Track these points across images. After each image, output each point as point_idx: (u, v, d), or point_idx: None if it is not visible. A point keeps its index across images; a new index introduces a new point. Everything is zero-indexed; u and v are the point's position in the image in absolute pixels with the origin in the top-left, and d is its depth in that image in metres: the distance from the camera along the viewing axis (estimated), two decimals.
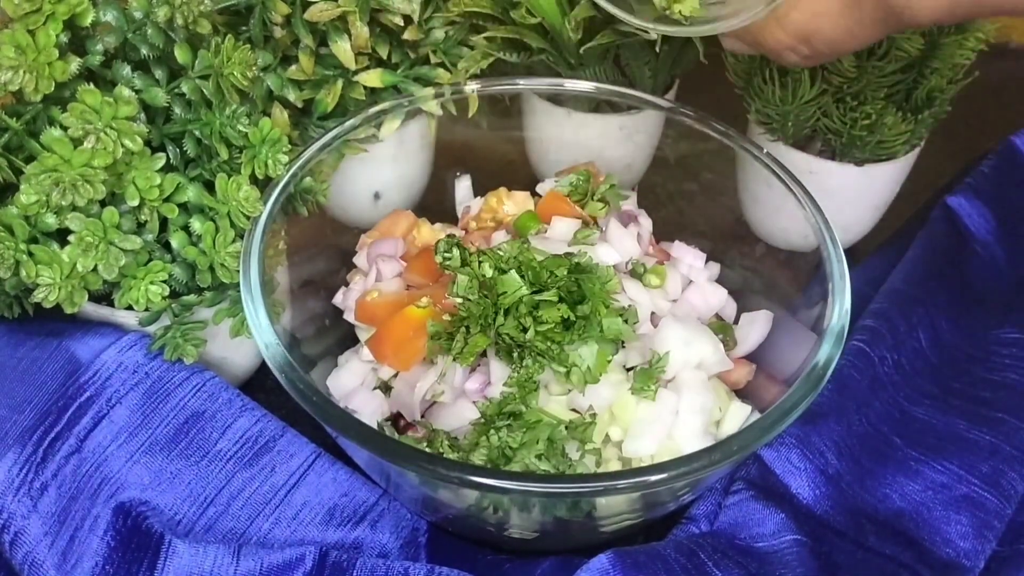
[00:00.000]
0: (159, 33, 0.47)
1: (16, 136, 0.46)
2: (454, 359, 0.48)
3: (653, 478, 0.39)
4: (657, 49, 0.59)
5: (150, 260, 0.48)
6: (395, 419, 0.52)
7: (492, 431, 0.45)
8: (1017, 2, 0.29)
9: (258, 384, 0.58)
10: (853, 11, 0.32)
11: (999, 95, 0.74)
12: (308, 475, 0.49)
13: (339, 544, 0.48)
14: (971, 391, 0.53)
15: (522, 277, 0.48)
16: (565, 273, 0.48)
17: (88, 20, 0.45)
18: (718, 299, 0.55)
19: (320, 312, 0.56)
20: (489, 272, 0.48)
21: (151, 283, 0.47)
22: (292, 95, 0.54)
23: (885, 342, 0.55)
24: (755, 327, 0.54)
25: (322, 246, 0.57)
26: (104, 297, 0.51)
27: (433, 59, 0.58)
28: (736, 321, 0.55)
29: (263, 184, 0.50)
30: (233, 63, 0.47)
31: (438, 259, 0.49)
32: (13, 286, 0.47)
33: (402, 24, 0.55)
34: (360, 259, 0.56)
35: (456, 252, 0.48)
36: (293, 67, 0.54)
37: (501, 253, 0.49)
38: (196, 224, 0.48)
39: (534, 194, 0.60)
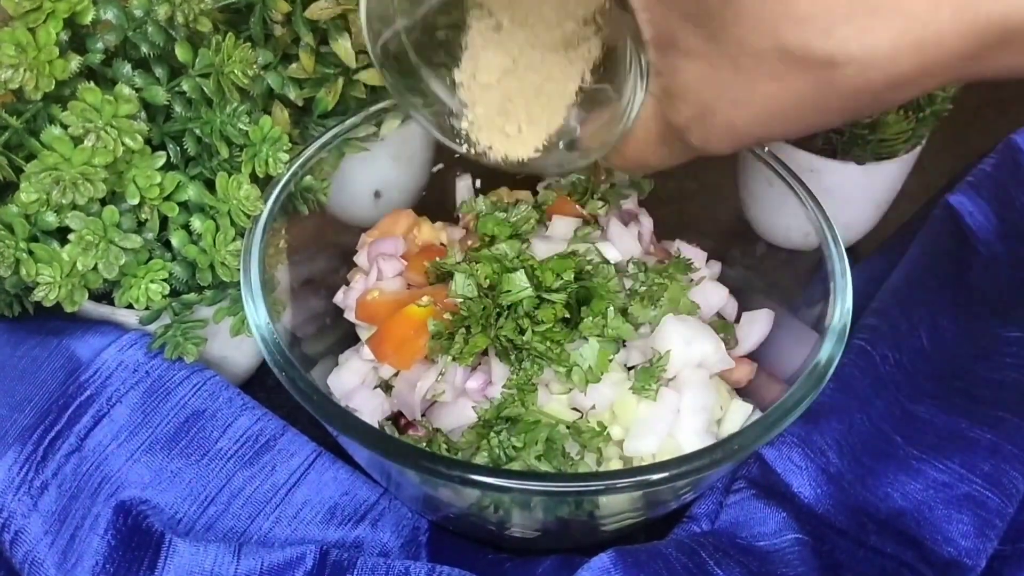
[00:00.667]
0: (160, 31, 0.47)
1: (16, 134, 0.46)
2: (453, 359, 0.48)
3: (654, 477, 0.39)
4: None
5: (150, 259, 0.48)
6: (396, 418, 0.52)
7: (492, 434, 0.45)
8: (802, 131, 0.35)
9: (258, 383, 0.58)
10: (666, 147, 0.39)
11: (1000, 93, 0.74)
12: (309, 474, 0.49)
13: (340, 543, 0.48)
14: (972, 390, 0.53)
15: (529, 278, 0.48)
16: (572, 277, 0.48)
17: (88, 18, 0.45)
18: (719, 298, 0.55)
19: (321, 311, 0.56)
20: (488, 273, 0.49)
21: (151, 282, 0.47)
22: (293, 93, 0.53)
23: (886, 341, 0.55)
24: (756, 326, 0.54)
25: (322, 245, 0.57)
26: (104, 296, 0.50)
27: None
28: (737, 320, 0.55)
29: (263, 183, 0.50)
30: (234, 61, 0.47)
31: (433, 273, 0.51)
32: (13, 284, 0.47)
33: None
34: (361, 258, 0.56)
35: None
36: (294, 65, 0.54)
37: (502, 254, 0.49)
38: (196, 223, 0.48)
39: (534, 193, 0.60)
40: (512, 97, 0.43)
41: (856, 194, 0.62)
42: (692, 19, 0.32)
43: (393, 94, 0.44)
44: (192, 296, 0.49)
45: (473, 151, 0.44)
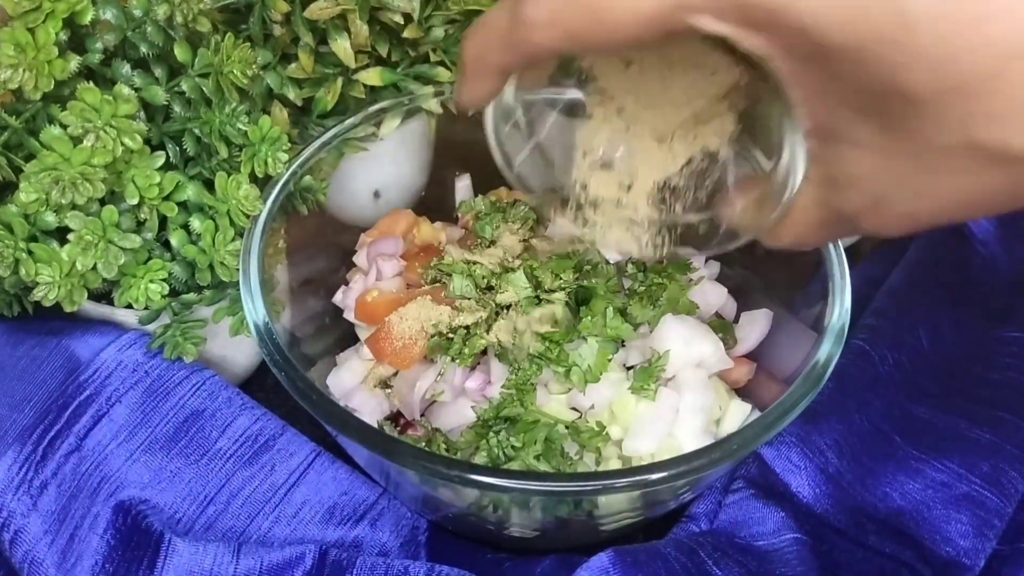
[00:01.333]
0: (159, 31, 0.47)
1: (16, 134, 0.46)
2: (452, 359, 0.48)
3: (653, 477, 0.39)
4: None
5: (150, 258, 0.48)
6: (395, 418, 0.52)
7: (491, 434, 0.45)
8: (992, 214, 0.33)
9: (258, 383, 0.58)
10: (831, 231, 0.36)
11: None
12: (308, 474, 0.49)
13: (339, 542, 0.48)
14: (971, 390, 0.53)
15: (529, 278, 0.48)
16: (571, 277, 0.48)
17: (88, 18, 0.45)
18: (718, 298, 0.55)
19: (320, 311, 0.56)
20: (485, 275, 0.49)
21: (151, 281, 0.47)
22: (292, 93, 0.53)
23: (885, 341, 0.55)
24: (755, 326, 0.54)
25: (322, 245, 0.57)
26: (104, 295, 0.50)
27: (433, 57, 0.58)
28: (736, 320, 0.55)
29: (263, 182, 0.50)
30: (233, 61, 0.47)
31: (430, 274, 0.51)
32: (12, 284, 0.47)
33: (402, 22, 0.55)
34: (360, 258, 0.56)
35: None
36: (293, 65, 0.54)
37: (503, 254, 0.50)
38: (196, 222, 0.48)
39: None
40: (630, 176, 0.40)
41: None
42: (863, 113, 0.29)
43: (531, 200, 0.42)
44: (191, 296, 0.49)
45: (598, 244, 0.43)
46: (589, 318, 0.48)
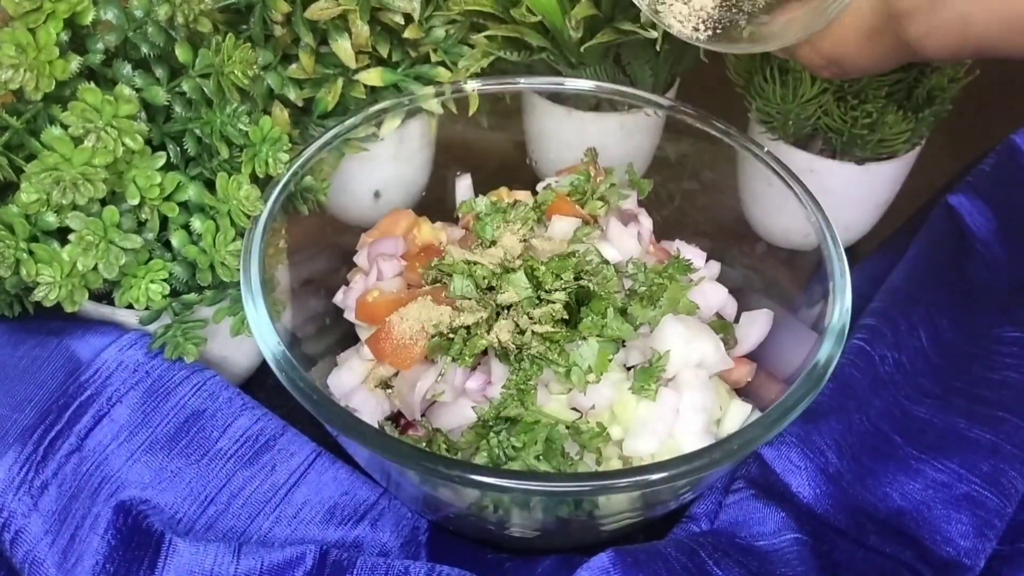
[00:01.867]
0: (160, 31, 0.47)
1: (17, 135, 0.46)
2: (453, 360, 0.48)
3: (654, 477, 0.39)
4: (658, 48, 0.59)
5: (150, 259, 0.48)
6: (395, 418, 0.52)
7: (491, 435, 0.45)
8: (1019, 50, 0.31)
9: (258, 383, 0.58)
10: (874, 43, 0.35)
11: (1000, 93, 0.74)
12: (308, 474, 0.49)
13: (340, 543, 0.48)
14: (972, 390, 0.53)
15: (529, 278, 0.48)
16: (572, 277, 0.48)
17: (89, 18, 0.45)
18: (719, 298, 0.55)
19: (320, 311, 0.56)
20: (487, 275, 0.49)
21: (151, 282, 0.47)
22: (292, 94, 0.54)
23: (886, 341, 0.55)
24: (756, 326, 0.54)
25: (322, 245, 0.57)
26: (104, 296, 0.51)
27: (434, 58, 0.58)
28: (737, 320, 0.55)
29: (263, 183, 0.50)
30: (234, 62, 0.47)
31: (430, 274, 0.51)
32: (13, 285, 0.47)
33: (403, 23, 0.55)
34: (360, 258, 0.56)
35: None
36: (294, 66, 0.54)
37: (504, 254, 0.49)
38: (196, 223, 0.48)
39: (534, 193, 0.60)
40: None
41: (856, 194, 0.62)
42: None
43: None
44: (192, 296, 0.49)
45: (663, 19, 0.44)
46: (590, 318, 0.48)
